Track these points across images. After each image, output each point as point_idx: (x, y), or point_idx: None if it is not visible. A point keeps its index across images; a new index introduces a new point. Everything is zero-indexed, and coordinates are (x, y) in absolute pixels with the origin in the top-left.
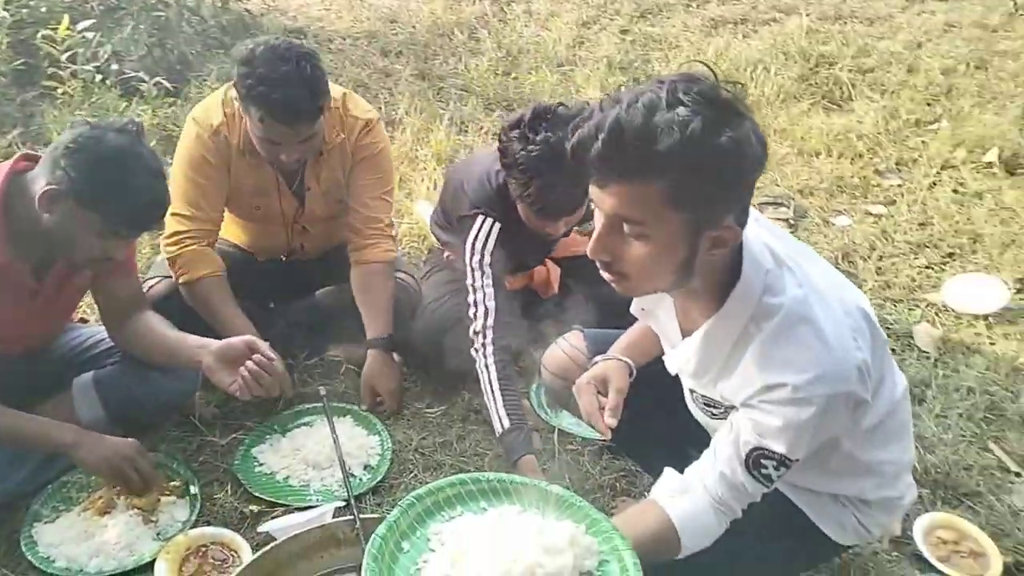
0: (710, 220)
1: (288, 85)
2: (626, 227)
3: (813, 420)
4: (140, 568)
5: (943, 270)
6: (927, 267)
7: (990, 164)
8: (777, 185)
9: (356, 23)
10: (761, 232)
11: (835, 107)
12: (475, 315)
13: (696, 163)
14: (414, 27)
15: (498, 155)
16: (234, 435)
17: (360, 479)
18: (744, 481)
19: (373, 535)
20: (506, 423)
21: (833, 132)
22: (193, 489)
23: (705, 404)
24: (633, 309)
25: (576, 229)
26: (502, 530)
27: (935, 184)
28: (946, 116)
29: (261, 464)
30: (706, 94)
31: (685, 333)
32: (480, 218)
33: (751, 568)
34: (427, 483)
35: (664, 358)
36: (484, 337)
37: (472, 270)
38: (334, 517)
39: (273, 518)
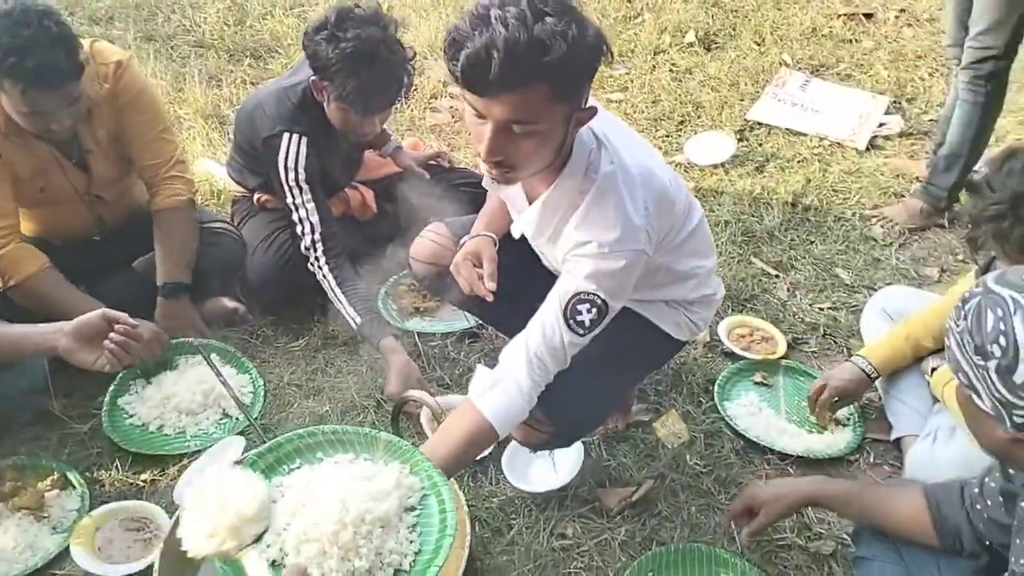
0: (578, 104)
1: (40, 49)
2: (516, 128)
3: (618, 270)
4: (49, 564)
5: (680, 135)
6: (667, 136)
7: (691, 44)
8: None
9: None
10: None
11: None
12: (303, 232)
13: (575, 62)
14: None
15: (292, 72)
16: (94, 419)
17: (236, 418)
18: (562, 335)
19: None
20: (358, 318)
21: None
22: (72, 476)
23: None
24: (485, 183)
25: (375, 153)
26: (336, 479)
27: (654, 68)
28: (646, 9)
29: (131, 416)
30: (558, 1)
31: (531, 200)
32: (286, 136)
33: (615, 371)
34: (312, 410)
35: (512, 225)
36: (316, 250)
37: (290, 188)
38: (243, 452)
39: (173, 480)
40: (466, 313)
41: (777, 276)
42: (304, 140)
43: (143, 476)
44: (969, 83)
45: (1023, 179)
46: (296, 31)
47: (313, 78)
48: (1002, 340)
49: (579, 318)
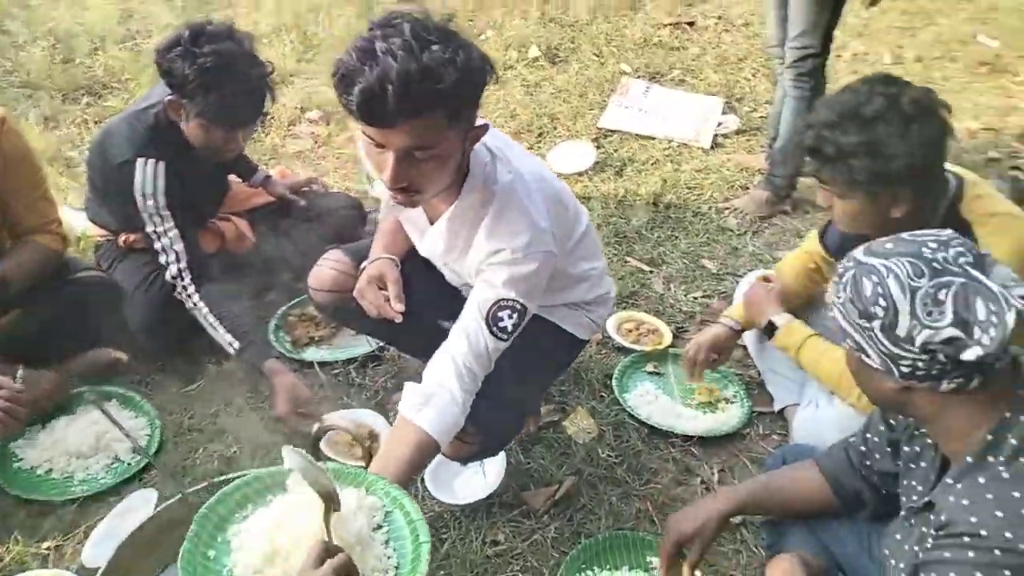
0: (471, 123)
1: None
2: (418, 154)
3: (531, 273)
4: None
5: (541, 146)
6: (529, 148)
7: (536, 59)
8: None
9: None
10: None
11: None
12: (167, 261)
13: (466, 86)
14: None
15: (140, 100)
16: None
17: (128, 463)
18: (487, 342)
19: (181, 551)
20: (236, 343)
21: None
22: None
23: (456, 276)
24: (383, 206)
25: (246, 184)
26: (297, 514)
27: (506, 83)
28: (489, 27)
29: (19, 459)
30: (440, 28)
31: (432, 219)
32: (140, 161)
33: (532, 375)
34: (220, 453)
35: (416, 244)
36: (183, 279)
37: (150, 217)
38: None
39: (80, 544)
40: (367, 337)
41: (651, 272)
42: (160, 165)
43: (46, 544)
44: (794, 80)
45: (830, 111)
46: (132, 64)
47: (169, 97)
48: (882, 302)
49: (502, 324)
